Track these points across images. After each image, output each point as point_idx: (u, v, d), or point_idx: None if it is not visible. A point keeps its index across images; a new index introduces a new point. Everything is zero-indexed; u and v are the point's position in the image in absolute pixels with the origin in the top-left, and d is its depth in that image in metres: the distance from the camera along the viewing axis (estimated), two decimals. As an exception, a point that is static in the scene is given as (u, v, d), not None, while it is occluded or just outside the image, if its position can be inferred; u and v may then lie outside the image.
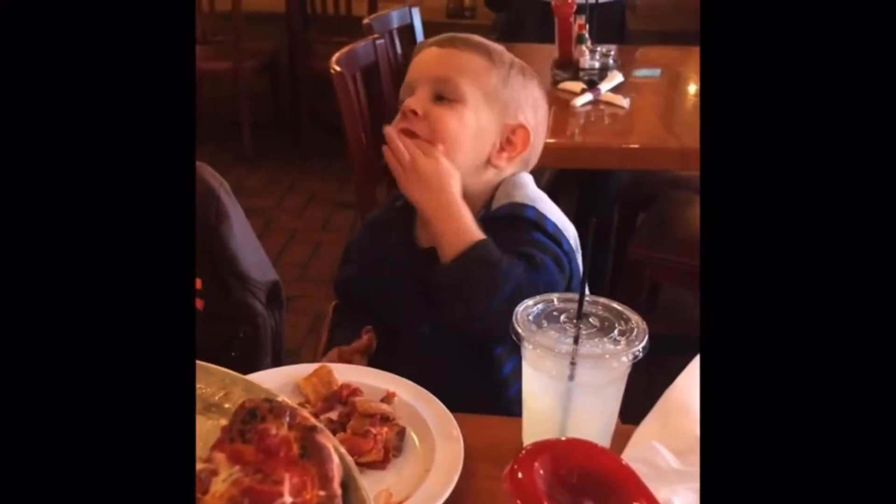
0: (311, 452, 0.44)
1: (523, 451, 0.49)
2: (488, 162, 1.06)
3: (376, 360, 1.03)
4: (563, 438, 0.63)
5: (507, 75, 1.06)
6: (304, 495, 0.42)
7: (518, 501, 0.45)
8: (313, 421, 0.46)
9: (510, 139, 1.06)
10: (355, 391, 0.86)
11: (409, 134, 1.02)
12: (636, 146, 1.85)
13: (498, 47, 1.10)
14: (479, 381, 1.01)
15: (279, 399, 0.47)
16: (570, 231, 1.06)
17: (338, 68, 1.91)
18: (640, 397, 0.82)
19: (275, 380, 0.88)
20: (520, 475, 0.46)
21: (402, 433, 0.80)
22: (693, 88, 2.62)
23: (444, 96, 1.03)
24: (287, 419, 0.45)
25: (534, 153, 1.11)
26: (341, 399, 0.85)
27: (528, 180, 1.09)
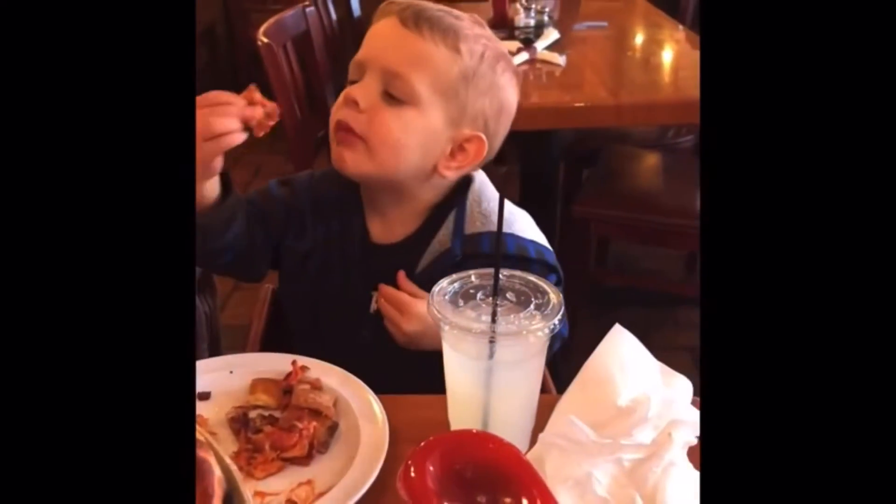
0: (190, 468, 0.42)
1: (416, 449, 0.48)
2: (434, 169, 0.95)
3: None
4: (465, 430, 0.62)
5: (474, 70, 0.91)
6: (180, 515, 0.40)
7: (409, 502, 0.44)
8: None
9: (463, 147, 0.94)
10: (303, 370, 0.84)
11: (345, 128, 0.91)
12: (574, 105, 1.84)
13: (475, 29, 0.93)
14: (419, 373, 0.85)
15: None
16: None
17: (265, 39, 1.86)
18: (592, 349, 0.80)
19: (212, 369, 0.87)
20: (412, 474, 0.45)
21: (333, 428, 0.78)
22: (639, 40, 2.61)
23: (394, 95, 0.90)
24: (164, 434, 0.43)
25: (488, 157, 0.98)
26: (289, 386, 0.82)
27: (487, 193, 0.99)
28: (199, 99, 0.84)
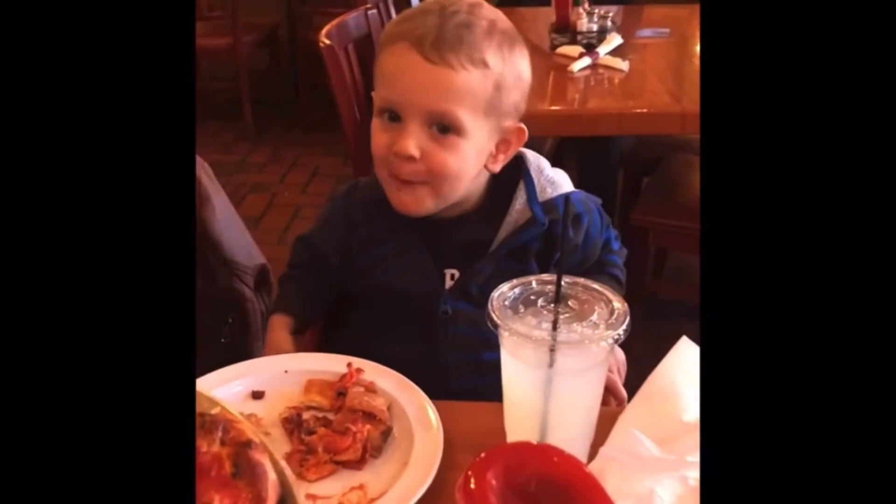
0: (244, 470, 0.41)
1: (477, 459, 0.46)
2: (483, 167, 0.96)
3: (372, 339, 0.98)
4: (526, 441, 0.60)
5: (502, 74, 0.90)
6: (234, 519, 0.39)
7: (468, 516, 0.42)
8: (249, 435, 0.43)
9: (505, 140, 0.96)
10: (358, 372, 0.83)
11: (405, 182, 0.91)
12: (636, 111, 1.79)
13: (482, 22, 0.90)
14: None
15: (214, 411, 0.44)
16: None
17: (327, 41, 1.87)
18: (646, 364, 0.78)
19: (267, 368, 0.87)
20: (472, 486, 0.43)
21: (386, 433, 0.77)
22: (698, 49, 2.55)
23: (443, 126, 0.89)
24: (220, 434, 0.42)
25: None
26: (344, 388, 0.81)
27: (543, 163, 1.02)
28: None
